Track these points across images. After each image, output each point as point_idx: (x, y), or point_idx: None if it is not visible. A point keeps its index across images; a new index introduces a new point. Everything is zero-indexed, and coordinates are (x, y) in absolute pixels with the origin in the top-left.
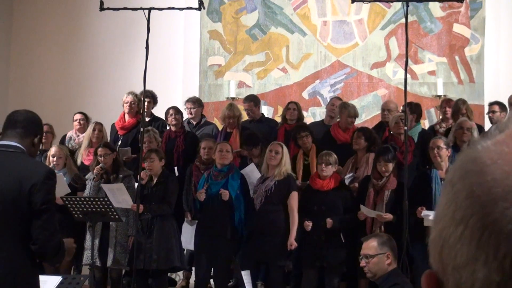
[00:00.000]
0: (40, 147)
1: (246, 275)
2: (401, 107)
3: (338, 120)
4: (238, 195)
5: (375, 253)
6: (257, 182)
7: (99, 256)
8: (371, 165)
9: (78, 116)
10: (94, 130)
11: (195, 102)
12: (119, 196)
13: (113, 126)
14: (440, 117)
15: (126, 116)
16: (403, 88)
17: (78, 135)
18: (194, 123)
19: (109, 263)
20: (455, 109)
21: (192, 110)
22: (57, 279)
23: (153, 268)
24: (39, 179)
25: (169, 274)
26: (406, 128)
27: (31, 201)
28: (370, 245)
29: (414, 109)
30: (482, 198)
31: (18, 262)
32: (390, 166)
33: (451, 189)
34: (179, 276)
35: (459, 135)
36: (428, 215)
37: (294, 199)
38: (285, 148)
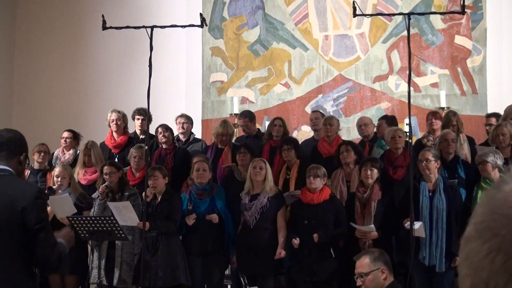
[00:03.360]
0: (38, 167)
1: None
2: (406, 119)
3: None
4: (225, 212)
5: (369, 270)
6: (244, 199)
7: (106, 275)
8: None
9: (65, 134)
10: (83, 149)
11: (188, 118)
12: (125, 214)
13: (102, 144)
14: (427, 130)
15: (115, 134)
16: (406, 101)
17: (64, 153)
18: (184, 140)
19: (115, 282)
20: (445, 121)
21: (184, 125)
22: None
23: (159, 286)
24: (29, 201)
25: None
26: (410, 140)
27: (25, 223)
28: (363, 263)
29: (391, 122)
30: None
31: (17, 282)
32: (375, 173)
33: (493, 237)
34: None
35: (444, 148)
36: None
37: (282, 212)
38: (267, 164)
